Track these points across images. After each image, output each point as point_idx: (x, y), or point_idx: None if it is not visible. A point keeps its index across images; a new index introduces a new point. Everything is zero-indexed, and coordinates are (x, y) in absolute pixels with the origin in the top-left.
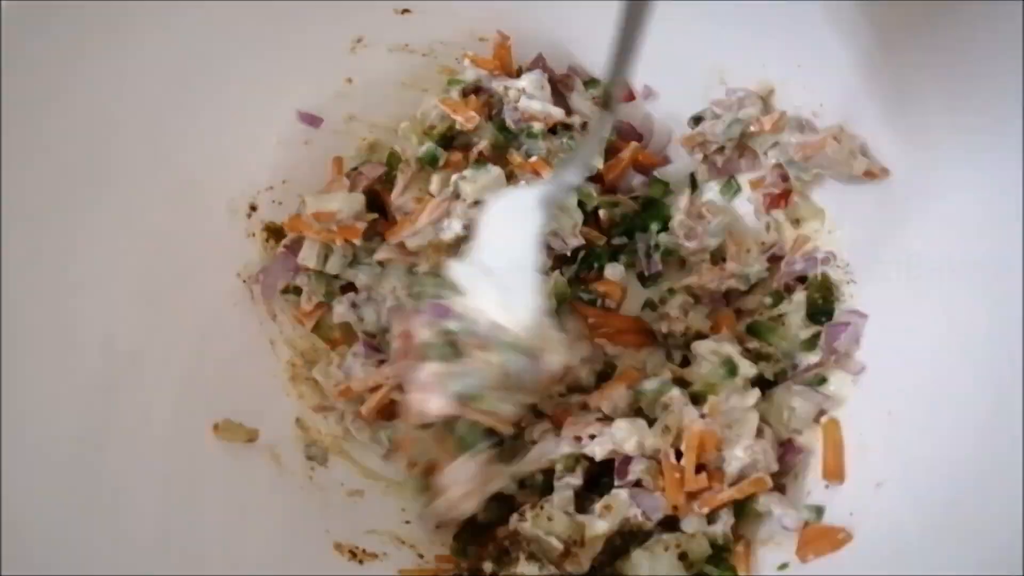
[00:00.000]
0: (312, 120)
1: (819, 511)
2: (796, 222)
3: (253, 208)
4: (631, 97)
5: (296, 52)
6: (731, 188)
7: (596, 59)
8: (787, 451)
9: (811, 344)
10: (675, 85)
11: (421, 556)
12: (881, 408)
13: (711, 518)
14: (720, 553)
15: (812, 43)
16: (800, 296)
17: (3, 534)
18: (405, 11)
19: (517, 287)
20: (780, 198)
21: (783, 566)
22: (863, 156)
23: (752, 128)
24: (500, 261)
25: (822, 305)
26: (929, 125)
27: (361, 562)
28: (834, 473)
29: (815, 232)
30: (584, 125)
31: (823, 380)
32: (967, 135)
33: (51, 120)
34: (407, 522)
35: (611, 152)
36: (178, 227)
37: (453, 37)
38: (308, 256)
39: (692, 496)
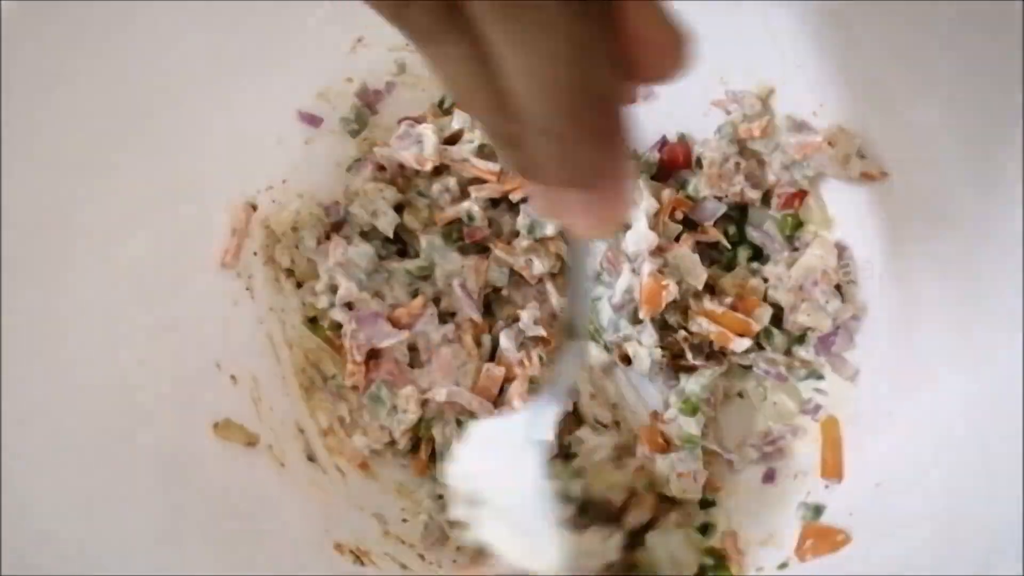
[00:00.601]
0: (312, 120)
1: (818, 510)
2: (800, 225)
3: (253, 208)
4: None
5: (296, 52)
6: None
7: None
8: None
9: (802, 338)
10: (675, 86)
11: (422, 557)
12: (881, 408)
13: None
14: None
15: (812, 43)
16: None
17: (3, 534)
18: None
19: (538, 531)
20: (795, 197)
21: (783, 565)
22: (861, 158)
23: (742, 134)
24: (511, 502)
25: None
26: (929, 124)
27: (363, 563)
28: (832, 471)
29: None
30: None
31: (819, 377)
32: (967, 134)
33: (50, 120)
34: (404, 520)
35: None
36: (177, 226)
37: None
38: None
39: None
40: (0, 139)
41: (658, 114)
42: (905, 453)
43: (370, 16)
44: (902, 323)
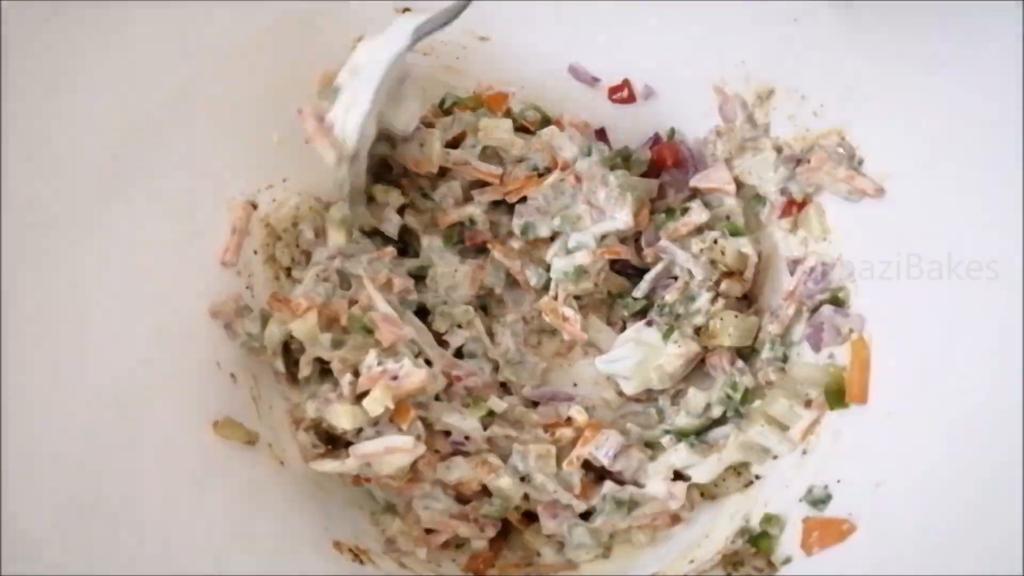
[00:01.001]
0: None
1: (823, 501)
2: (796, 229)
3: (253, 206)
4: (631, 98)
5: (297, 51)
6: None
7: (596, 58)
8: None
9: None
10: (675, 85)
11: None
12: (881, 408)
13: None
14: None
15: (813, 43)
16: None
17: (3, 534)
18: (406, 10)
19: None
20: (792, 205)
21: (786, 561)
22: (858, 167)
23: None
24: (359, 69)
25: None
26: (930, 125)
27: (362, 562)
28: (858, 394)
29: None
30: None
31: None
32: (967, 134)
33: (51, 120)
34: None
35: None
36: (177, 224)
37: (454, 36)
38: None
39: None
40: (0, 139)
41: (657, 113)
42: (905, 453)
43: (371, 15)
44: (903, 323)
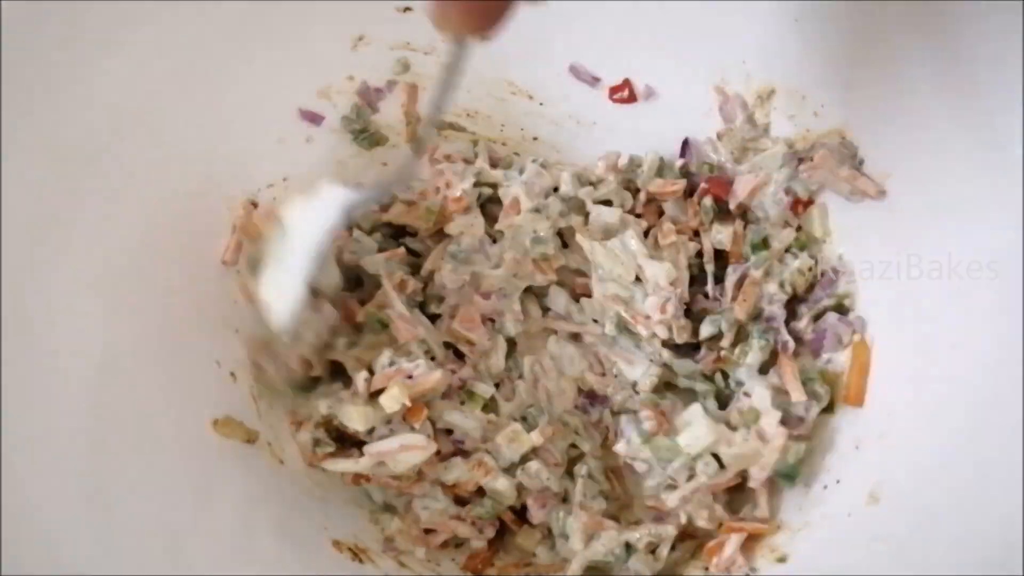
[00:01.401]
0: (313, 118)
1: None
2: (798, 228)
3: (254, 205)
4: (632, 98)
5: (297, 50)
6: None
7: (596, 58)
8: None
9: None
10: (676, 85)
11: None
12: (880, 409)
13: None
14: None
15: (814, 43)
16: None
17: (3, 534)
18: (407, 9)
19: (287, 282)
20: (798, 204)
21: (781, 559)
22: (859, 167)
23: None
24: (289, 252)
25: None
26: (929, 125)
27: (361, 561)
28: (855, 397)
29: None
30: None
31: None
32: (967, 135)
33: (51, 118)
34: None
35: None
36: (178, 225)
37: None
38: None
39: None
40: (0, 137)
41: (658, 114)
42: (905, 454)
43: (371, 14)
44: (903, 324)
